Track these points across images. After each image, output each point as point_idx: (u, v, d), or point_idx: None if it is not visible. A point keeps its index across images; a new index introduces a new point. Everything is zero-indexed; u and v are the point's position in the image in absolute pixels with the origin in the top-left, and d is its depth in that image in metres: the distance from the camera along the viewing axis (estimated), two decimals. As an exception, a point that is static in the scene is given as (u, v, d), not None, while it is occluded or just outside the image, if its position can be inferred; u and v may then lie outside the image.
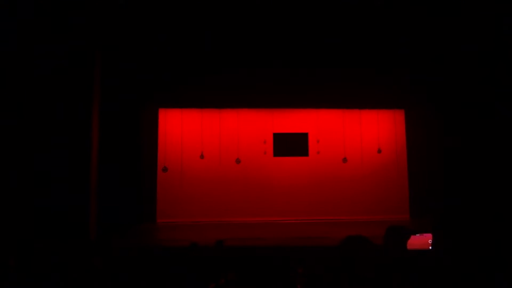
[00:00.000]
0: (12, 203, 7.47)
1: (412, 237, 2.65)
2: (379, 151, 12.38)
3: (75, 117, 8.14)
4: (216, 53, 9.56)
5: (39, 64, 7.92)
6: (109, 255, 6.55)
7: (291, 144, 12.54)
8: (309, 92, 11.06)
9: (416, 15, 8.14)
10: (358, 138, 12.62)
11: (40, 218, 7.44)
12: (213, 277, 4.21)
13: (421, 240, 2.62)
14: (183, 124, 12.33)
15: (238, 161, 12.01)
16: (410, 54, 9.71)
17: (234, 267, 4.71)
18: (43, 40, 7.84)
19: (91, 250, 6.93)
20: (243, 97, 11.32)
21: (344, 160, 12.22)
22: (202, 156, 11.94)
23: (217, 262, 4.97)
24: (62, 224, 7.49)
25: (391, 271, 2.26)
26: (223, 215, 11.55)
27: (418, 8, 7.92)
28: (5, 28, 7.35)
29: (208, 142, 12.19)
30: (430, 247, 2.59)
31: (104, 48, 8.83)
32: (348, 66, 10.03)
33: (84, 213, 8.04)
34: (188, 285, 4.48)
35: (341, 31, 8.77)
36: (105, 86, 9.01)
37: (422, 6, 7.82)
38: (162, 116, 12.23)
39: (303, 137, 12.61)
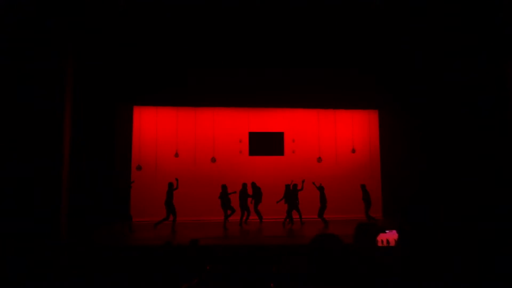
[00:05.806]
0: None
1: (381, 234, 2.73)
2: (353, 151, 12.60)
3: (47, 114, 7.95)
4: (192, 51, 9.53)
5: (9, 62, 7.71)
6: (80, 254, 6.45)
7: (266, 143, 12.62)
8: (285, 92, 11.13)
9: (393, 17, 8.32)
10: (332, 138, 12.81)
11: (9, 217, 7.24)
12: (187, 277, 4.21)
13: (388, 237, 2.71)
14: (158, 122, 12.23)
15: (213, 159, 12.00)
16: (383, 55, 9.90)
17: (208, 266, 4.72)
18: (13, 36, 7.64)
19: (61, 249, 6.80)
20: (219, 96, 11.28)
21: (319, 159, 12.38)
22: (176, 155, 11.87)
23: (191, 261, 4.96)
24: (32, 223, 7.31)
25: (360, 268, 2.32)
26: (198, 214, 11.51)
27: (396, 11, 8.09)
28: None
29: (183, 141, 12.13)
30: (395, 244, 2.68)
31: (78, 45, 8.66)
32: (325, 66, 10.15)
33: (55, 211, 7.87)
34: (161, 284, 4.46)
35: (318, 32, 8.88)
36: (78, 83, 8.84)
37: (401, 9, 8.01)
38: (136, 114, 12.10)
39: (279, 136, 12.71)
